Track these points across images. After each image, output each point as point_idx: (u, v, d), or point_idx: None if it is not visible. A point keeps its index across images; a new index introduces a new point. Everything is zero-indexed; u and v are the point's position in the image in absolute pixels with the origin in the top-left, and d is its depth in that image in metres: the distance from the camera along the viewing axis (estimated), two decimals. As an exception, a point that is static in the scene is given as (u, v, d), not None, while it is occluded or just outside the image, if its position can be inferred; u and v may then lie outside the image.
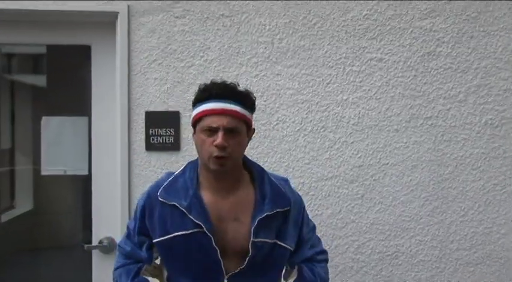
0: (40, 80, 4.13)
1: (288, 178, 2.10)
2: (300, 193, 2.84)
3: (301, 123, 2.92)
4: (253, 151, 2.88)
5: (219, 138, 1.80)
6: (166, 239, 1.87)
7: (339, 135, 2.93)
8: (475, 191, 3.00)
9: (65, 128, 3.07)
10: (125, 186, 2.81)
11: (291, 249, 1.96)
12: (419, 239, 2.97)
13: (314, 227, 2.13)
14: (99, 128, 2.96)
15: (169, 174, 1.98)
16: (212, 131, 1.82)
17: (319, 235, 2.89)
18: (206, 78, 2.82)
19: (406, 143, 2.97)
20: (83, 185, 3.17)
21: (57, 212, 4.05)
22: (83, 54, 2.99)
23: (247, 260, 1.84)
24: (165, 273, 1.98)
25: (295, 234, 1.98)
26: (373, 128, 2.95)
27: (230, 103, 1.83)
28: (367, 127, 2.95)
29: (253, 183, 1.94)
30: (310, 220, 2.11)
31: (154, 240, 1.91)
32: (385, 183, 2.96)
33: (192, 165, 1.96)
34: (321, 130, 2.92)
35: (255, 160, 2.83)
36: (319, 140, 2.93)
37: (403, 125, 2.96)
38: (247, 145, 1.93)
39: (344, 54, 2.93)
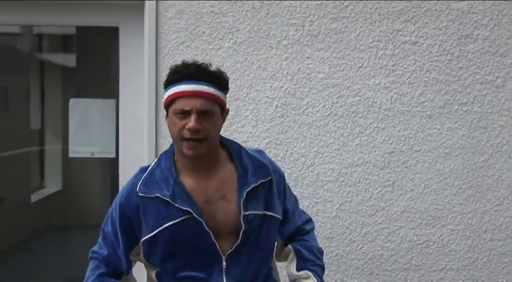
0: (70, 60, 4.14)
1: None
2: (329, 179, 2.85)
3: (331, 108, 2.86)
4: (282, 136, 2.83)
5: (191, 121, 1.75)
6: (156, 233, 1.81)
7: (370, 121, 2.87)
8: (511, 179, 2.91)
9: (92, 110, 3.07)
10: (152, 170, 2.79)
11: (280, 218, 1.95)
12: (451, 228, 2.90)
13: (296, 198, 2.10)
14: (126, 110, 2.94)
15: (143, 169, 1.92)
16: (185, 114, 1.77)
17: (347, 222, 2.87)
18: (235, 61, 2.80)
19: (439, 129, 2.89)
20: (111, 167, 3.18)
21: (86, 193, 4.09)
22: (111, 35, 2.98)
23: (241, 234, 1.82)
24: (152, 273, 1.91)
25: (280, 204, 1.96)
26: (406, 114, 2.88)
27: (202, 84, 1.78)
28: (400, 113, 2.87)
29: (232, 160, 1.91)
30: (293, 192, 2.10)
31: (143, 239, 1.84)
32: (417, 170, 2.89)
33: (167, 154, 1.91)
34: (352, 115, 2.86)
35: (283, 145, 2.82)
36: (349, 125, 2.87)
37: (437, 110, 2.88)
38: (221, 126, 1.88)
39: (377, 38, 2.86)
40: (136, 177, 1.90)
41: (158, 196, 1.81)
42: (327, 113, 2.86)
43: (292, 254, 1.99)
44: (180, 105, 1.77)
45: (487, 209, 2.92)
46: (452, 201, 2.91)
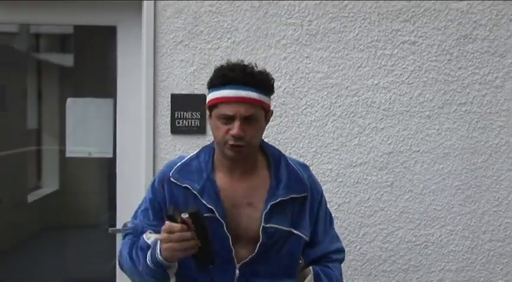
0: (67, 60, 4.12)
1: (309, 165, 2.00)
2: (328, 180, 2.83)
3: (330, 108, 2.85)
4: (280, 136, 2.82)
5: (235, 128, 1.72)
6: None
7: (368, 121, 2.86)
8: (510, 180, 2.90)
9: (89, 110, 3.05)
10: (149, 170, 2.78)
11: (306, 239, 1.88)
12: (450, 229, 2.89)
13: (333, 221, 2.03)
14: (124, 110, 2.93)
15: (182, 157, 1.92)
16: (228, 119, 1.74)
17: (346, 223, 2.86)
18: (233, 61, 2.77)
19: (438, 129, 2.88)
20: (108, 167, 3.16)
21: (83, 193, 4.07)
22: (109, 35, 2.96)
23: (257, 246, 1.78)
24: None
25: (310, 224, 1.90)
26: (405, 114, 2.87)
27: (247, 90, 1.73)
28: (398, 113, 2.86)
29: (270, 168, 1.88)
30: (330, 213, 2.02)
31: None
32: (415, 171, 2.88)
33: (207, 149, 1.90)
34: (351, 115, 2.85)
35: (282, 145, 2.80)
36: (348, 125, 2.85)
37: (436, 111, 2.87)
38: (265, 128, 1.85)
39: (376, 37, 2.85)
40: (173, 162, 1.90)
41: (187, 187, 1.80)
42: (325, 113, 2.85)
43: (310, 276, 1.90)
44: (223, 110, 1.74)
45: (485, 210, 2.90)
46: (451, 201, 2.89)
